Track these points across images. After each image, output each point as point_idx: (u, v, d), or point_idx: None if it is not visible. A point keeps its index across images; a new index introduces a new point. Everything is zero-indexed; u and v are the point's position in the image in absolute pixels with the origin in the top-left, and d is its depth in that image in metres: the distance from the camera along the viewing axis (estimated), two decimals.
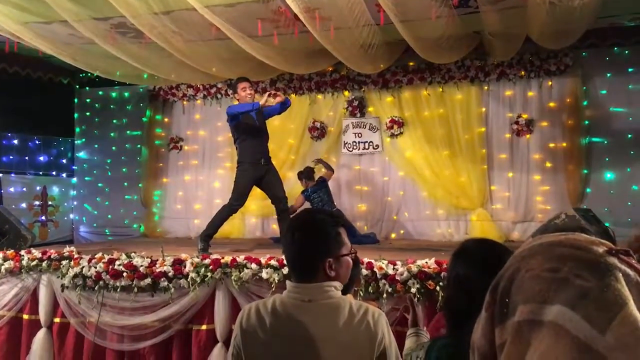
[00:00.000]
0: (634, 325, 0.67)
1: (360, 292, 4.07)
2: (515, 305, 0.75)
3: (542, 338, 0.69)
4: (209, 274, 4.49)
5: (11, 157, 7.96)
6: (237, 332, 1.89)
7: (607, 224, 5.28)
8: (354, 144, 7.78)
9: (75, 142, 8.91)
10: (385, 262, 4.31)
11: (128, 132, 8.79)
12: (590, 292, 0.69)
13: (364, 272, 4.17)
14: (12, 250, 5.22)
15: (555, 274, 0.73)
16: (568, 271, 0.72)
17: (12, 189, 7.84)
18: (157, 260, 4.72)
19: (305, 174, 7.09)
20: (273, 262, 4.43)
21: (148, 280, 4.58)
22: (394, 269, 4.24)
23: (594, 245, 0.76)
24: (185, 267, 4.58)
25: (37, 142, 8.34)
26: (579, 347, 0.67)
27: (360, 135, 7.78)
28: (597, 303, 0.69)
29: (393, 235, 7.60)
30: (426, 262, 4.25)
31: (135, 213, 8.67)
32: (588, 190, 6.96)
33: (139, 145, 8.71)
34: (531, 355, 0.70)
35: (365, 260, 4.26)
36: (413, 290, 4.10)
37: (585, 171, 6.96)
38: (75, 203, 8.86)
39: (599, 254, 0.74)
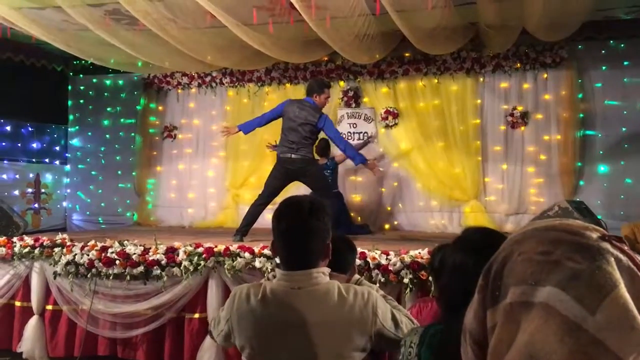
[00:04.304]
0: (623, 307, 0.67)
1: None
2: (507, 288, 0.75)
3: (532, 319, 0.69)
4: (202, 263, 4.49)
5: (4, 143, 7.90)
6: (229, 315, 1.90)
7: (599, 217, 5.32)
8: (349, 134, 7.76)
9: (69, 129, 8.86)
10: (379, 252, 4.32)
11: (122, 120, 8.75)
12: (581, 273, 0.70)
13: (358, 262, 4.17)
14: (4, 237, 5.20)
15: (548, 256, 0.73)
16: (560, 254, 0.72)
17: (4, 176, 7.80)
18: (150, 248, 4.72)
19: (320, 149, 6.84)
20: (266, 251, 4.44)
21: (141, 268, 4.57)
22: (387, 259, 4.25)
23: (587, 230, 0.76)
24: (178, 255, 4.58)
25: (30, 129, 8.29)
26: (569, 326, 0.67)
27: (355, 125, 7.77)
28: (588, 284, 0.69)
29: (387, 226, 7.61)
30: (419, 253, 4.26)
31: (128, 201, 8.65)
32: (581, 183, 6.97)
33: (132, 134, 8.67)
34: (521, 335, 0.70)
35: (359, 250, 4.25)
36: (406, 280, 4.12)
37: (579, 164, 6.98)
38: (68, 191, 8.83)
39: (592, 238, 0.74)
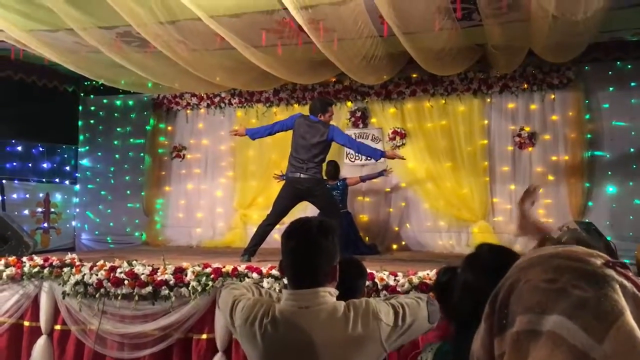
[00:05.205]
0: (630, 334, 0.68)
1: None
2: (514, 316, 0.75)
3: (540, 347, 0.70)
4: (210, 283, 4.49)
5: (14, 163, 7.98)
6: (239, 323, 1.94)
7: (608, 238, 5.27)
8: (357, 154, 7.76)
9: (79, 149, 8.93)
10: (387, 273, 4.31)
11: (131, 140, 8.82)
12: (587, 302, 0.70)
13: (366, 283, 4.16)
14: (13, 257, 5.22)
15: (553, 284, 0.74)
16: (566, 282, 0.73)
17: (15, 196, 7.85)
18: (159, 268, 4.73)
19: (330, 174, 6.85)
20: (274, 272, 4.43)
21: (149, 289, 4.57)
22: (395, 280, 4.24)
23: (592, 257, 0.77)
24: (186, 275, 4.58)
25: (40, 149, 8.36)
26: (576, 355, 0.67)
27: None
28: (595, 313, 0.69)
29: (394, 247, 7.58)
30: (427, 274, 4.24)
31: (137, 221, 8.67)
32: (590, 203, 6.94)
33: (142, 154, 8.72)
34: None
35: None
36: None
37: (587, 185, 6.95)
38: (77, 210, 8.87)
39: (597, 265, 0.75)
